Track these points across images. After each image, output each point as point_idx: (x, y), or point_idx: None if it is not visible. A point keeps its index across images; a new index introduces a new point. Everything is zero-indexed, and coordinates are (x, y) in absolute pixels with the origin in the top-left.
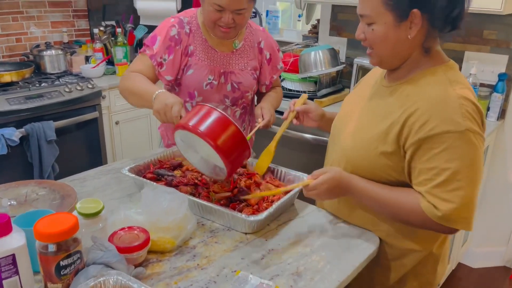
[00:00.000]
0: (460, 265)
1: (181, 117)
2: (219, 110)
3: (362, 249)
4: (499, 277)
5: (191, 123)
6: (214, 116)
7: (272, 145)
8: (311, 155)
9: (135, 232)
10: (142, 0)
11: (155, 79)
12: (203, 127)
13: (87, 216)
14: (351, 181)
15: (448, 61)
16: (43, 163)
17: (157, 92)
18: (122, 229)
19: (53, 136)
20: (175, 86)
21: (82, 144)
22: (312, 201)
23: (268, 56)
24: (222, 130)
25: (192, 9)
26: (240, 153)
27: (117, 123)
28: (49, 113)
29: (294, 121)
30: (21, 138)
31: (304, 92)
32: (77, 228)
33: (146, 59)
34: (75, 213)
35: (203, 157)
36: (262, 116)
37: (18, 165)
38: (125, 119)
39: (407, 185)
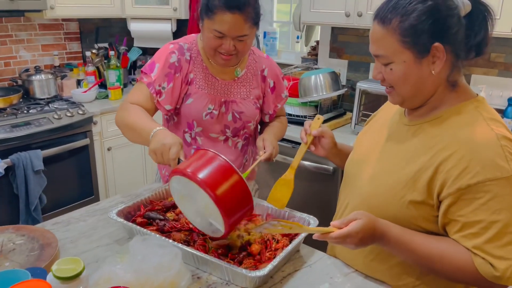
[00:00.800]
0: None
1: (179, 161)
2: (223, 157)
3: None
4: None
5: (190, 169)
6: (218, 164)
7: (291, 174)
8: (311, 184)
9: None
10: (136, 22)
11: (154, 110)
12: (203, 175)
13: (65, 280)
14: (387, 229)
15: (476, 96)
16: (30, 195)
17: (155, 130)
18: None
19: (41, 166)
20: (174, 115)
21: (72, 173)
22: (320, 246)
23: (272, 84)
24: (224, 180)
25: (192, 35)
26: (242, 210)
27: (109, 149)
28: (37, 142)
29: (312, 147)
30: (6, 169)
31: (305, 117)
32: None
33: (144, 88)
34: (50, 276)
35: (199, 210)
36: (264, 148)
37: (3, 197)
38: (118, 144)
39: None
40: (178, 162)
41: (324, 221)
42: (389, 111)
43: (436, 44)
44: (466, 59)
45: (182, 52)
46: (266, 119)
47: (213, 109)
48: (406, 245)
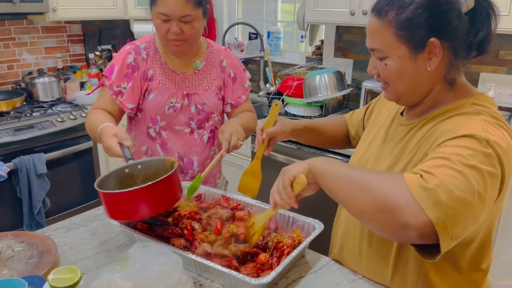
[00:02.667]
0: None
1: (126, 152)
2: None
3: None
4: None
5: (113, 217)
6: (116, 196)
7: (257, 164)
8: None
9: None
10: (139, 24)
11: (120, 111)
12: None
13: None
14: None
15: (478, 94)
16: (33, 198)
17: (100, 127)
18: None
19: (44, 170)
20: (137, 112)
21: (75, 176)
22: (325, 252)
23: (232, 74)
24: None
25: (150, 34)
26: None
27: None
28: (40, 145)
29: (266, 152)
30: (9, 173)
31: (310, 117)
32: None
33: (106, 91)
34: (47, 286)
35: None
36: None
37: (7, 201)
38: None
39: None
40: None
41: (330, 224)
42: (387, 111)
43: (433, 39)
44: (466, 58)
45: (138, 51)
46: (228, 108)
47: (175, 102)
48: (346, 170)
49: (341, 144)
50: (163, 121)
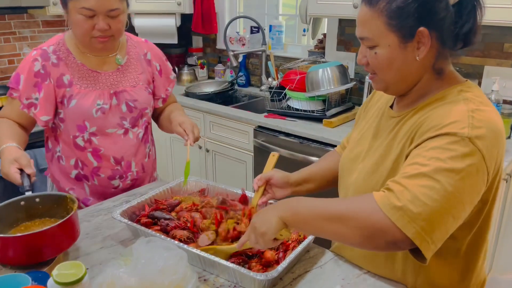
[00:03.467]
0: None
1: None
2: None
3: None
4: None
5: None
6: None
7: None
8: None
9: None
10: (140, 18)
11: (32, 122)
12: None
13: (66, 285)
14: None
15: (464, 81)
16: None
17: (1, 148)
18: None
19: (46, 165)
20: (59, 122)
21: None
22: (330, 246)
23: (158, 67)
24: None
25: (58, 35)
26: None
27: None
28: (42, 140)
29: (259, 201)
30: None
31: (312, 112)
32: None
33: (15, 103)
34: (51, 281)
35: None
36: (185, 132)
37: (8, 197)
38: None
39: None
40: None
41: None
42: (377, 108)
43: (422, 28)
44: (453, 48)
45: (46, 57)
46: (159, 104)
47: (103, 104)
48: (316, 205)
49: None
50: (93, 127)
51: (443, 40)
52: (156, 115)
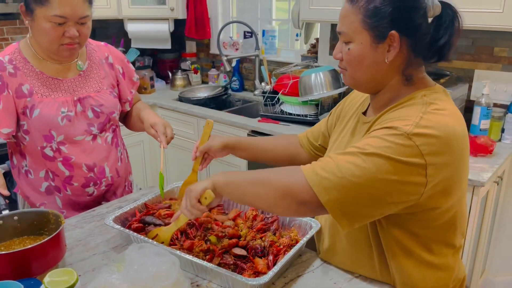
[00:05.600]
0: None
1: None
2: None
3: None
4: None
5: None
6: None
7: (194, 176)
8: None
9: None
10: (133, 23)
11: None
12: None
13: None
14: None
15: (433, 86)
16: None
17: None
18: None
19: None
20: (23, 135)
21: None
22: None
23: (121, 70)
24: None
25: (12, 44)
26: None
27: None
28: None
29: (200, 167)
30: (4, 174)
31: (305, 116)
32: None
33: None
34: None
35: None
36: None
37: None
38: None
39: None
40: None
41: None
42: (354, 110)
43: (393, 32)
44: (426, 59)
45: (2, 67)
46: (127, 107)
47: (67, 111)
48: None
49: (299, 162)
50: (60, 135)
51: (415, 48)
52: (123, 116)
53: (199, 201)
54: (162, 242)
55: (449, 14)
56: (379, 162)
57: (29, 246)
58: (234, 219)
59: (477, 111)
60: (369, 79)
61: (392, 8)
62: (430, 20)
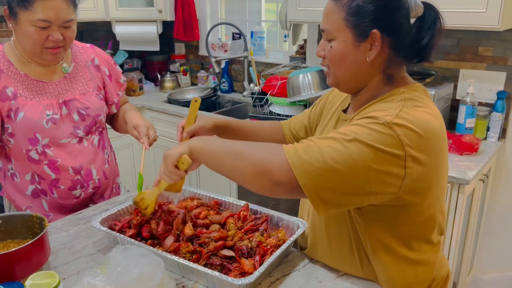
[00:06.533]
0: None
1: None
2: None
3: None
4: None
5: None
6: None
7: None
8: None
9: None
10: (121, 25)
11: None
12: None
13: None
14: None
15: (413, 84)
16: None
17: None
18: None
19: None
20: (8, 138)
21: None
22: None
23: (107, 72)
24: None
25: None
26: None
27: None
28: None
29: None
30: None
31: (290, 116)
32: None
33: None
34: None
35: None
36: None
37: None
38: None
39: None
40: None
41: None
42: (335, 108)
43: (375, 30)
44: (407, 60)
45: None
46: (113, 109)
47: (52, 114)
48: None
49: None
50: (45, 138)
51: (397, 48)
52: (110, 118)
53: (176, 167)
54: (147, 207)
55: (431, 15)
56: (361, 149)
57: (12, 250)
58: (225, 220)
59: (462, 110)
60: (351, 78)
61: (375, 7)
62: (412, 20)
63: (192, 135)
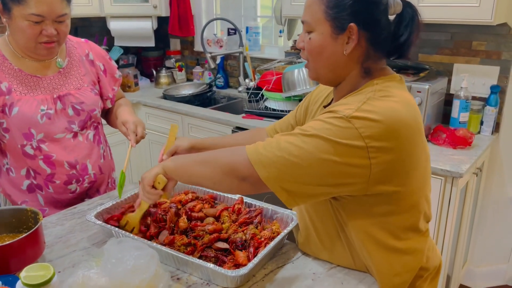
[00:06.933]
0: (461, 287)
1: None
2: None
3: None
4: None
5: None
6: None
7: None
8: None
9: None
10: (116, 21)
11: None
12: None
13: (35, 287)
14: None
15: (389, 75)
16: None
17: None
18: None
19: None
20: (2, 133)
21: None
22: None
23: (102, 67)
24: None
25: None
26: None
27: None
28: None
29: None
30: None
31: (289, 112)
32: None
33: None
34: (19, 284)
35: None
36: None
37: None
38: None
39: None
40: None
41: None
42: (318, 104)
43: (352, 24)
44: (385, 55)
45: None
46: (108, 104)
47: (47, 109)
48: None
49: None
50: (40, 133)
51: (374, 42)
52: (105, 112)
53: (154, 187)
54: (133, 228)
55: (409, 13)
56: (318, 143)
57: (7, 243)
58: (220, 213)
59: (456, 104)
60: (329, 70)
61: (353, 1)
62: (392, 17)
63: (172, 155)
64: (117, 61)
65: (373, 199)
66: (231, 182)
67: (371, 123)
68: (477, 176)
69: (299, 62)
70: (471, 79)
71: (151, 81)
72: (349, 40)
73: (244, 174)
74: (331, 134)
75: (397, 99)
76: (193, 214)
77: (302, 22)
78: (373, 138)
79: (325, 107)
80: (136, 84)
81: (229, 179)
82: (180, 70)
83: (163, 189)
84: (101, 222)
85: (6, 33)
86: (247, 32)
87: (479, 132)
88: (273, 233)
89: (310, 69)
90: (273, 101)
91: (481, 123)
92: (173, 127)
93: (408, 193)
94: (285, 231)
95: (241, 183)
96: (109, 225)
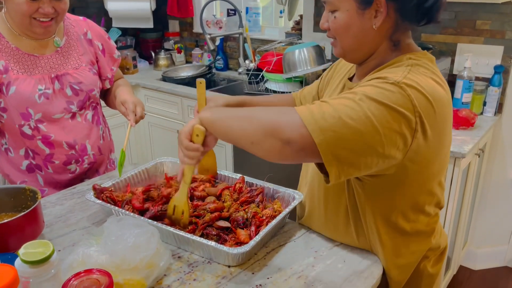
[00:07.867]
0: (461, 268)
1: None
2: None
3: (364, 279)
4: (502, 278)
5: None
6: None
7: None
8: None
9: (94, 276)
10: (114, 1)
11: None
12: None
13: (33, 264)
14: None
15: (419, 51)
16: None
17: None
18: (77, 274)
19: None
20: (0, 113)
21: None
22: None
23: (101, 47)
24: None
25: None
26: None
27: None
28: None
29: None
30: None
31: (290, 93)
32: (17, 283)
33: None
34: (18, 261)
35: None
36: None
37: None
38: None
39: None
40: None
41: None
42: (339, 78)
43: None
44: (414, 23)
45: None
46: (107, 85)
47: (44, 89)
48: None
49: None
50: (38, 113)
51: (403, 12)
52: (103, 93)
53: (191, 141)
54: (183, 212)
55: None
56: (375, 106)
57: (5, 221)
58: (221, 192)
59: (459, 84)
60: (357, 47)
61: None
62: None
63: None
64: (115, 43)
65: (393, 179)
66: (271, 144)
67: (420, 95)
68: (479, 157)
69: (300, 43)
70: (475, 59)
71: (150, 63)
72: (377, 13)
73: (291, 136)
74: (385, 98)
75: (436, 78)
76: (195, 193)
77: (324, 2)
78: (421, 111)
79: (350, 79)
80: (135, 66)
81: (270, 140)
82: (179, 52)
83: (204, 145)
84: (100, 201)
85: (3, 10)
86: (247, 12)
87: (481, 113)
88: (275, 212)
89: (337, 47)
90: (274, 83)
91: (484, 103)
92: (200, 84)
93: (427, 177)
94: (287, 210)
95: (283, 146)
96: (108, 205)
